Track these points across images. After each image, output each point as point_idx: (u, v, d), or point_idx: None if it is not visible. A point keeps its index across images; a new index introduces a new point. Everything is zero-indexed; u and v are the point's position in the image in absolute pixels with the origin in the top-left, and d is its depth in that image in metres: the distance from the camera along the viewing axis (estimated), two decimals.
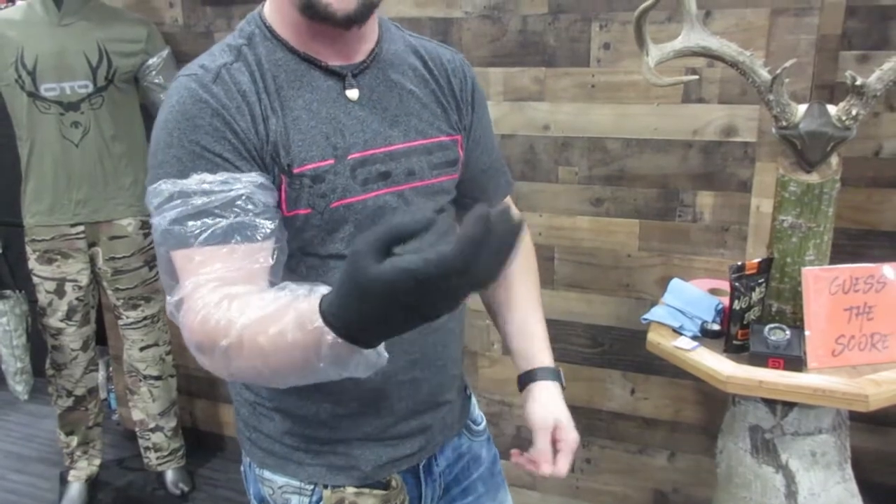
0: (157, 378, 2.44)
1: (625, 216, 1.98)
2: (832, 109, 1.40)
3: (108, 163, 2.19)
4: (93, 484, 2.50)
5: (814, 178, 1.42)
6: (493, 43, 1.98)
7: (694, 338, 1.55)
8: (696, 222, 1.92)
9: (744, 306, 1.47)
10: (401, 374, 1.02)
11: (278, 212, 0.91)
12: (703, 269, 1.92)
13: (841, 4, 1.93)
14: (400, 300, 0.59)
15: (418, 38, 1.07)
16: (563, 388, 1.14)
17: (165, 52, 2.25)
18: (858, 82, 1.34)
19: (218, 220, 0.84)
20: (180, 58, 2.34)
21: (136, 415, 2.48)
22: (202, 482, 2.59)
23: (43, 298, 2.27)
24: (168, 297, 0.86)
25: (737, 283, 1.45)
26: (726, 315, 1.50)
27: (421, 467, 1.11)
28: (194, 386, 2.74)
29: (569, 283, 2.07)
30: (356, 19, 0.90)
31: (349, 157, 0.94)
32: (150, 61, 2.22)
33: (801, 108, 1.41)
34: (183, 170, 0.86)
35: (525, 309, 1.18)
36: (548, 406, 1.10)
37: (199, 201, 0.85)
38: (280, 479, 1.06)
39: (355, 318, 0.64)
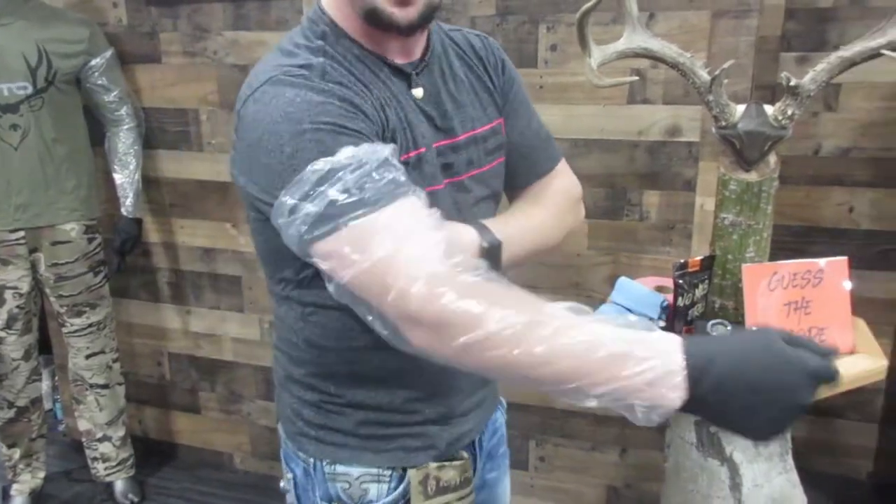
0: (104, 386, 2.38)
1: None
2: (769, 109, 1.43)
3: (49, 166, 2.13)
4: (37, 497, 2.43)
5: (752, 176, 1.46)
6: None
7: None
8: (643, 221, 1.96)
9: (687, 303, 1.50)
10: None
11: None
12: (651, 266, 1.95)
13: (780, 7, 1.99)
14: (780, 388, 0.69)
15: (449, 28, 1.10)
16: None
17: (109, 53, 2.20)
18: (793, 83, 1.38)
19: (379, 181, 0.82)
20: (124, 59, 2.29)
21: (83, 425, 2.42)
22: (152, 492, 2.54)
23: None
24: (349, 270, 0.81)
25: (680, 281, 1.48)
26: (671, 312, 1.52)
27: (476, 441, 1.16)
28: (144, 393, 2.68)
29: (520, 283, 2.08)
30: (419, 26, 0.94)
31: (434, 146, 0.99)
32: (93, 62, 2.17)
33: (740, 109, 1.44)
34: (327, 149, 0.83)
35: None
36: None
37: (356, 168, 0.83)
38: (356, 471, 1.05)
39: (716, 381, 0.70)
